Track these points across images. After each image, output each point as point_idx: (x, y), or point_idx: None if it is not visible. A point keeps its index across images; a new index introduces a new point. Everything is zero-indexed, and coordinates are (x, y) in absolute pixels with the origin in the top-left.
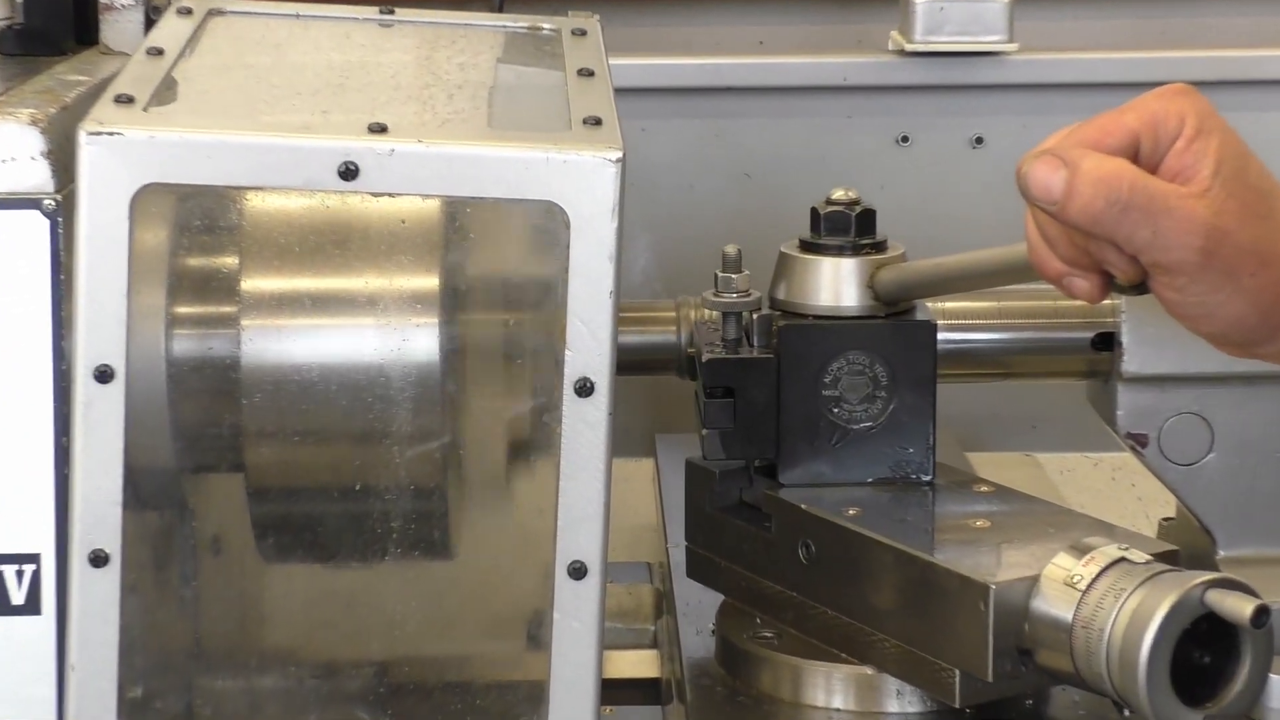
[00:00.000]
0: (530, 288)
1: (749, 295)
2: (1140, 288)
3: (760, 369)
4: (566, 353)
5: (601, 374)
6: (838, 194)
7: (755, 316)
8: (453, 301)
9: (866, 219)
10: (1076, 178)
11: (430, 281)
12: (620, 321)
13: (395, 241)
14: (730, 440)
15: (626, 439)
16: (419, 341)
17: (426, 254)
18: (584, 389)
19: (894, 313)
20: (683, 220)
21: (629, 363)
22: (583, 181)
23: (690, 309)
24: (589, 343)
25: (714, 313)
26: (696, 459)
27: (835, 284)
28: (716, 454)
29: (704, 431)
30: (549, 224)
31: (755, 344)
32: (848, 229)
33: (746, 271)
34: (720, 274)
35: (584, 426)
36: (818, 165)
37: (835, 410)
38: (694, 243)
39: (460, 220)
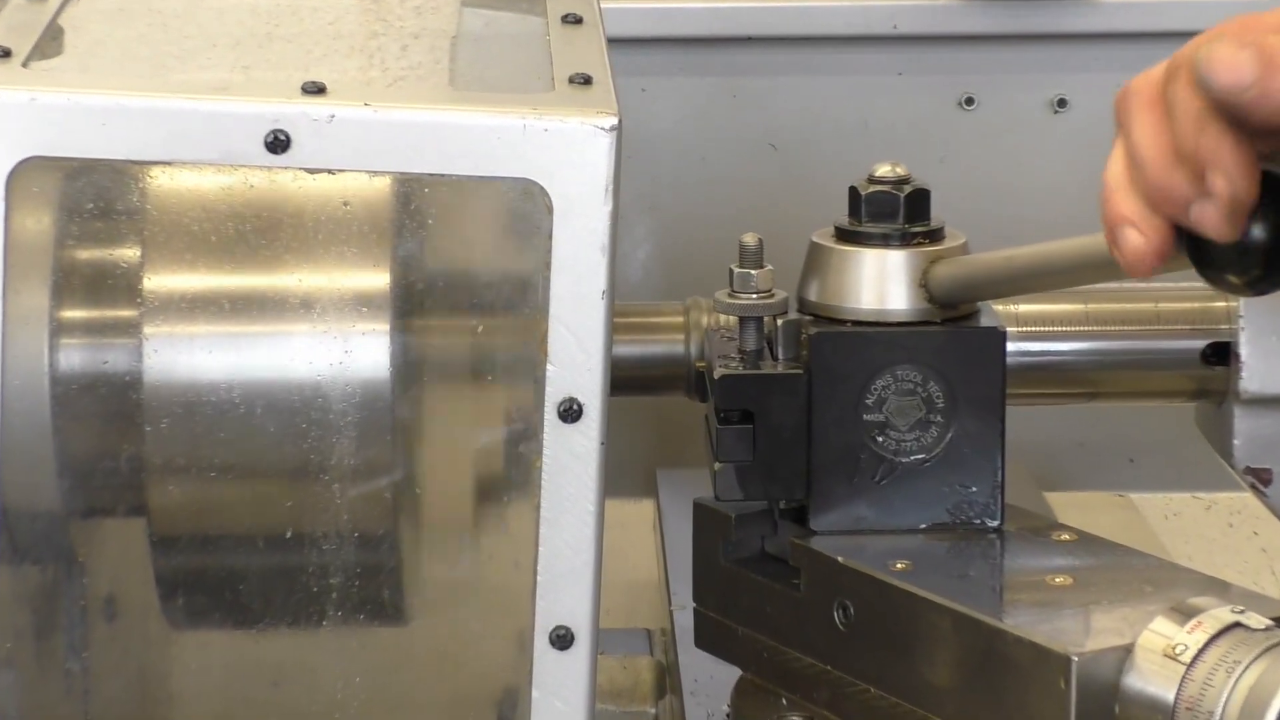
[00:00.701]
0: (503, 287)
1: (772, 296)
2: (1218, 265)
3: (786, 387)
4: (549, 368)
5: (592, 394)
6: (883, 170)
7: (780, 322)
8: (407, 304)
9: (919, 201)
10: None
11: (379, 279)
12: (615, 329)
13: (336, 229)
14: (749, 476)
15: (622, 475)
16: (365, 354)
17: (374, 245)
18: (570, 413)
19: (953, 317)
20: (693, 203)
21: (626, 380)
22: (568, 154)
23: (702, 313)
24: (576, 355)
25: (729, 318)
26: (707, 500)
27: (880, 282)
28: (732, 493)
29: (717, 465)
30: (527, 207)
31: (780, 356)
32: (895, 213)
33: (769, 266)
34: (737, 269)
35: (570, 459)
36: (859, 134)
37: (880, 439)
38: (706, 231)
39: (416, 203)
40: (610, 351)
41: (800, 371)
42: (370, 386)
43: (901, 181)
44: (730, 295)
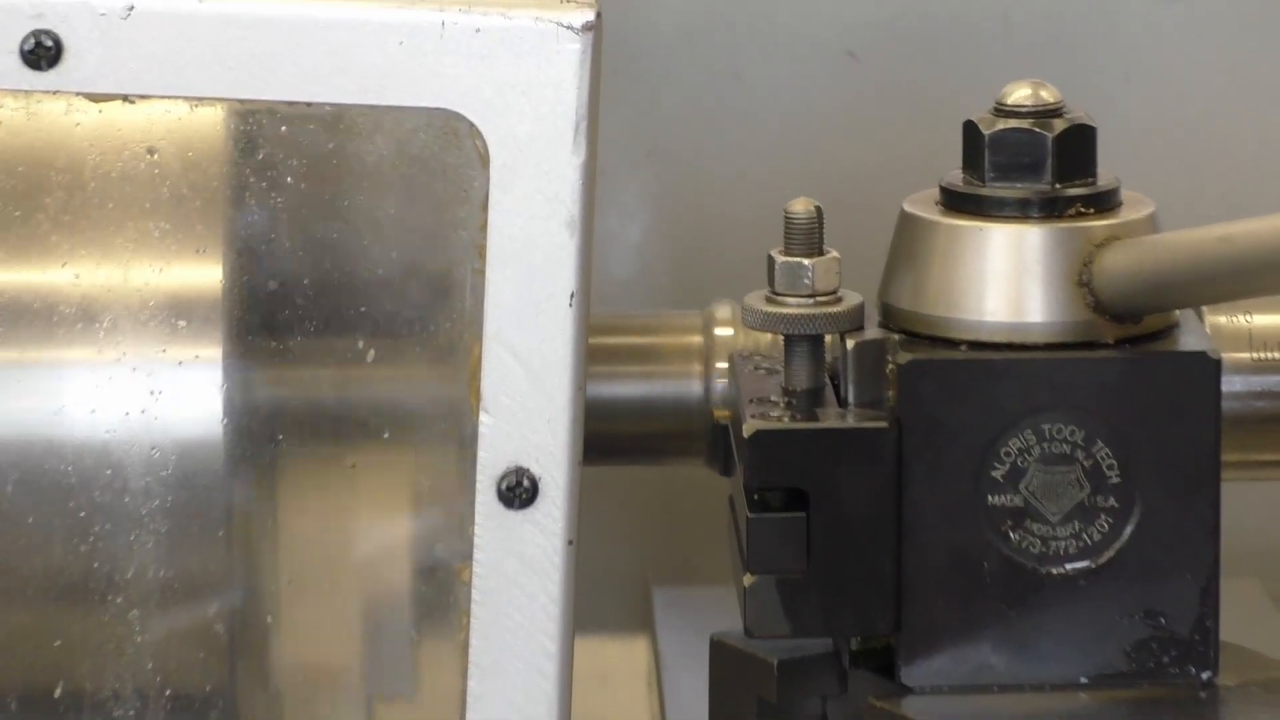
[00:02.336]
0: (407, 288)
1: (838, 301)
2: None
3: (861, 452)
4: (483, 419)
5: (553, 462)
6: (1021, 94)
7: (851, 344)
8: (251, 316)
9: (1078, 144)
10: None
11: (205, 275)
12: (594, 355)
13: (135, 193)
14: (801, 598)
15: (602, 595)
16: (184, 398)
17: (198, 219)
18: (518, 492)
19: (1134, 336)
20: (716, 149)
21: (610, 439)
22: (514, 71)
23: (733, 328)
24: (528, 399)
25: (768, 336)
26: (732, 636)
27: (1014, 277)
28: (773, 625)
29: (748, 580)
30: (446, 157)
31: (851, 400)
32: (1039, 165)
33: (833, 252)
34: (780, 257)
35: (518, 569)
36: (994, 33)
37: (1015, 536)
38: (738, 195)
39: (268, 152)
40: (583, 393)
41: (884, 425)
42: (191, 452)
43: (1049, 112)
44: (769, 300)
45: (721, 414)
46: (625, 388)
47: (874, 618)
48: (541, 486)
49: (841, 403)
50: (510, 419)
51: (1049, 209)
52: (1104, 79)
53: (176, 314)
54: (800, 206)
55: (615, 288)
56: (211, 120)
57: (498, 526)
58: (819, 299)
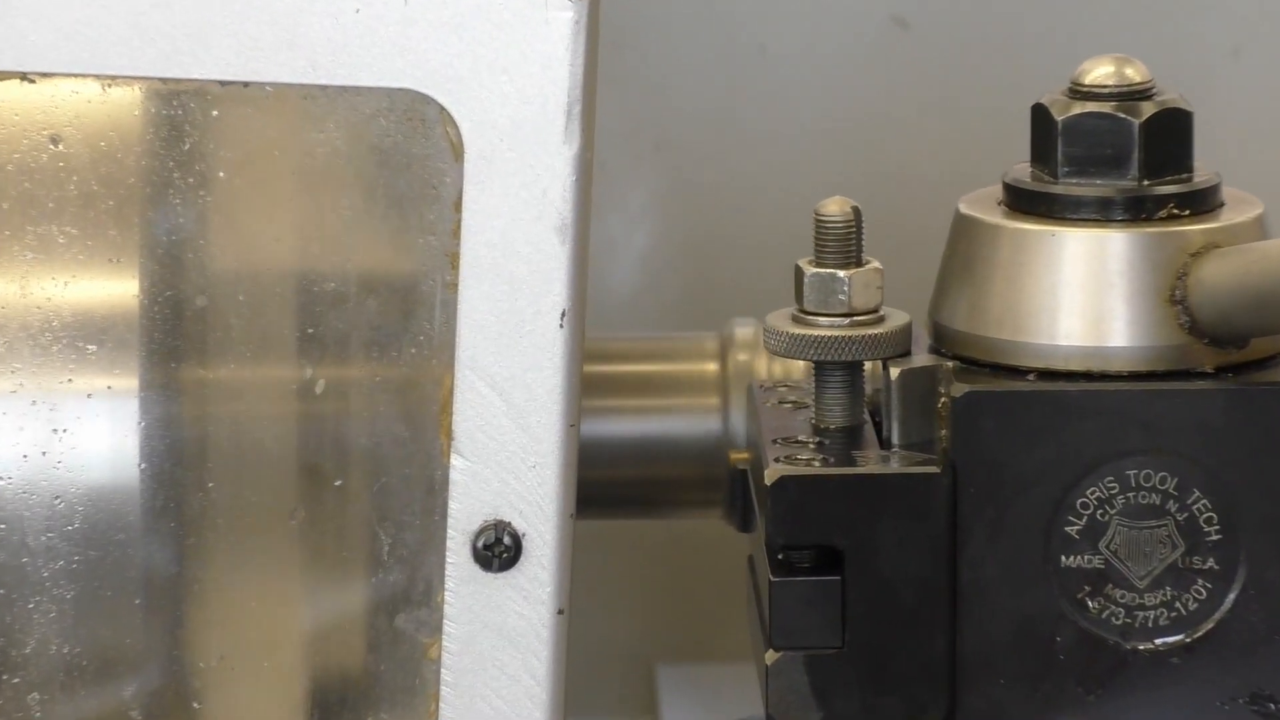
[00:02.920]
0: (364, 304)
1: (878, 320)
2: None
3: (908, 503)
4: (455, 463)
5: (540, 514)
6: (1101, 71)
7: (895, 372)
8: (174, 339)
9: (1169, 132)
10: None
11: (121, 288)
12: (590, 386)
13: (35, 189)
14: (832, 678)
15: (599, 673)
16: (95, 435)
17: (112, 221)
18: (498, 551)
19: (1237, 363)
20: (736, 140)
21: (607, 488)
22: (493, 49)
23: (754, 353)
24: (510, 439)
25: (794, 363)
26: None
27: (1093, 293)
28: (799, 713)
29: (770, 657)
30: (411, 147)
31: (895, 440)
32: (1123, 157)
33: (873, 263)
34: (810, 269)
35: (496, 642)
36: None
37: (1094, 605)
38: (763, 192)
39: (196, 141)
40: (576, 432)
41: (935, 470)
42: (102, 502)
43: (1136, 94)
44: (797, 319)
45: (739, 456)
46: (627, 425)
47: (923, 703)
48: (525, 544)
49: (884, 443)
50: (488, 463)
51: (1135, 210)
52: (1205, 54)
53: (85, 336)
54: (834, 207)
55: (616, 305)
56: (128, 103)
57: (473, 593)
58: (856, 318)
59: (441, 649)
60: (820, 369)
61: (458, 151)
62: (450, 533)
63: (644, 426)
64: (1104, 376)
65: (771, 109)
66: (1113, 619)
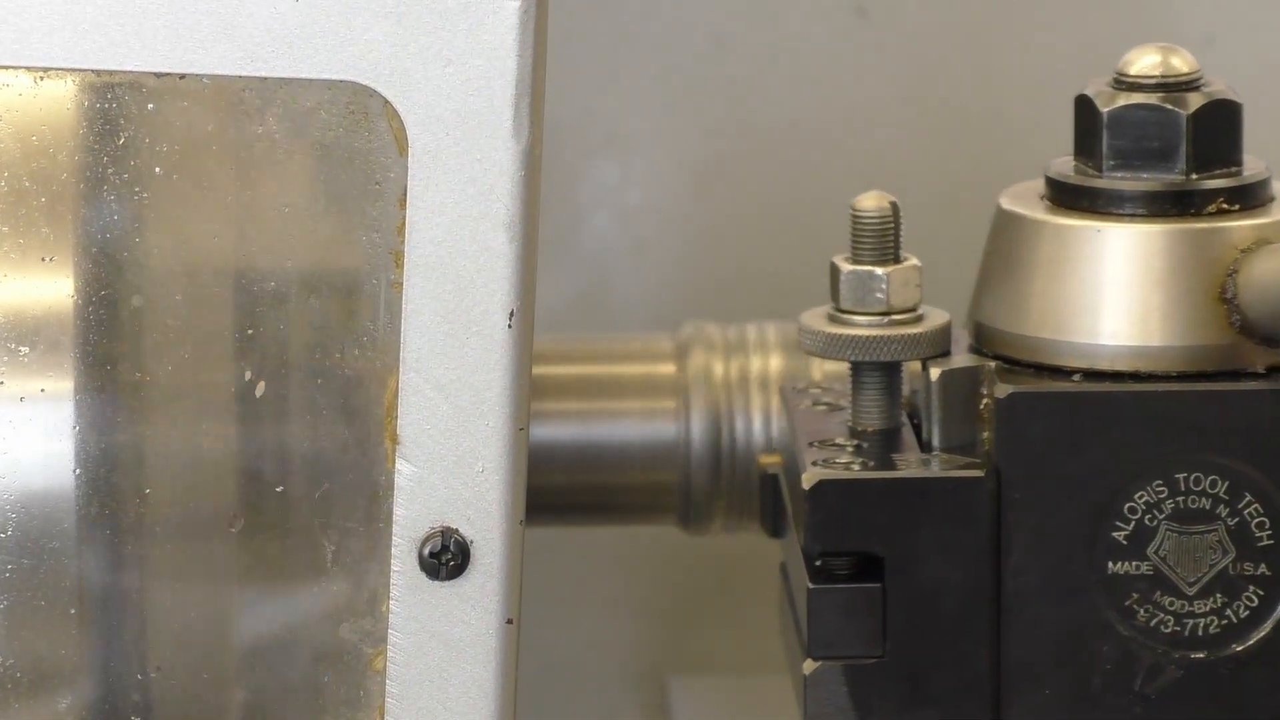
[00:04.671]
0: (306, 303)
1: (917, 319)
2: None
3: (950, 508)
4: (400, 468)
5: (487, 521)
6: (1147, 62)
7: (935, 373)
8: (111, 340)
9: (1217, 124)
10: None
11: (54, 288)
12: (538, 390)
13: None
14: (872, 688)
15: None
16: (27, 441)
17: (43, 218)
18: (443, 558)
19: None
20: (695, 129)
21: (558, 494)
22: (441, 35)
23: (714, 356)
24: (455, 443)
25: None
26: None
27: (1139, 290)
28: None
29: (808, 667)
30: (356, 142)
31: (936, 443)
32: (1170, 150)
33: (912, 259)
34: (846, 266)
35: (441, 654)
36: None
37: (1142, 612)
38: (723, 185)
39: (131, 135)
40: (525, 436)
41: (978, 474)
42: (35, 509)
43: (1183, 84)
44: (833, 319)
45: (769, 460)
46: (578, 429)
47: (965, 714)
48: (473, 552)
49: (924, 446)
50: (434, 468)
51: (1183, 205)
52: (1179, 41)
53: (17, 338)
54: (870, 202)
55: (566, 305)
56: (61, 96)
57: (419, 601)
58: (894, 317)
59: (387, 660)
60: (857, 370)
61: (402, 146)
62: (395, 540)
63: (596, 430)
64: (1151, 377)
65: (729, 99)
66: (1161, 627)
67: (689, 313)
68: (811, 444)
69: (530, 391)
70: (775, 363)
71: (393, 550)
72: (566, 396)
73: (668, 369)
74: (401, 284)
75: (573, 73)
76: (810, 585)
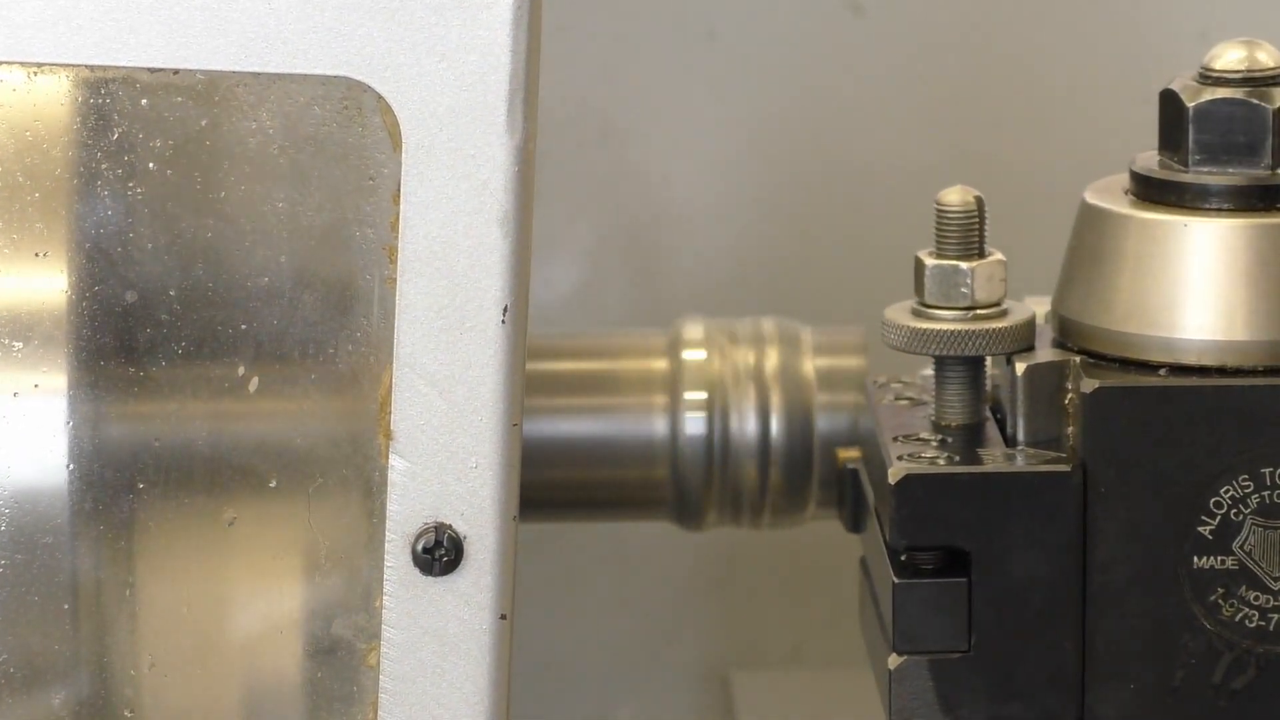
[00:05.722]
0: (301, 300)
1: (1001, 313)
2: None
3: (1036, 501)
4: (394, 464)
5: (480, 517)
6: (1232, 56)
7: (1020, 368)
8: (105, 336)
9: None
10: None
11: (47, 284)
12: (532, 385)
13: None
14: (958, 682)
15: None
16: (21, 436)
17: (37, 214)
18: (436, 554)
19: None
20: (686, 126)
21: (551, 489)
22: (434, 30)
23: (714, 352)
24: (449, 439)
25: (757, 358)
26: None
27: (1225, 284)
28: (923, 716)
29: (894, 661)
30: (350, 137)
31: (1021, 437)
32: (1256, 144)
33: (996, 254)
34: (931, 260)
35: (434, 650)
36: None
37: (1228, 608)
38: (714, 182)
39: (125, 130)
40: (518, 432)
41: (1064, 469)
42: (29, 504)
43: (1270, 79)
44: (918, 313)
45: (848, 454)
46: (571, 425)
47: (1051, 709)
48: (467, 547)
49: (1008, 441)
50: (428, 464)
51: (1269, 199)
52: (1172, 37)
53: (10, 333)
54: (955, 197)
55: (560, 301)
56: (54, 92)
57: (413, 597)
58: (979, 312)
59: (380, 656)
60: (941, 364)
61: (396, 141)
62: (389, 535)
63: (590, 426)
64: (1237, 372)
65: (720, 97)
66: (1246, 621)
67: (682, 309)
68: (896, 438)
69: (524, 387)
70: (768, 358)
71: (386, 546)
72: (560, 392)
73: (660, 364)
74: (395, 279)
75: (568, 67)
76: (896, 580)
